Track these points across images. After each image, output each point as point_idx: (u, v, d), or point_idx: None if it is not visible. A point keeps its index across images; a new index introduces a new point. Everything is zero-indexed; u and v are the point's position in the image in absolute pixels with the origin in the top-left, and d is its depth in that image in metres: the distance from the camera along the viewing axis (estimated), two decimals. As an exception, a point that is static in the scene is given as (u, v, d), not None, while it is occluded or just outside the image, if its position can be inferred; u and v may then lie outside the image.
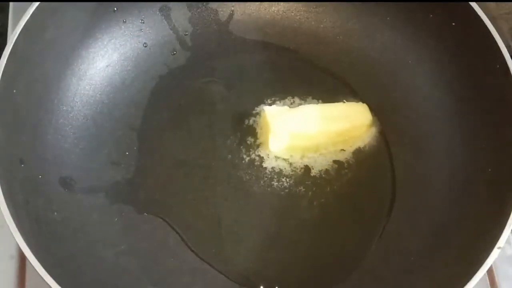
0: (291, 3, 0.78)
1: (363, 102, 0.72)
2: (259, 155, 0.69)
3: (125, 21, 0.73)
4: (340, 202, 0.67)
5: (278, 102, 0.73)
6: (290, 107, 0.72)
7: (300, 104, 0.72)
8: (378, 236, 0.65)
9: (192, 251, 0.64)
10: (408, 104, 0.73)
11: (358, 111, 0.71)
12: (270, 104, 0.72)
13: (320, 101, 0.73)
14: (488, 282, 0.66)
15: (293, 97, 0.73)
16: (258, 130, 0.71)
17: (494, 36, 0.63)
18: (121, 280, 0.61)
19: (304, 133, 0.69)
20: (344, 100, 0.72)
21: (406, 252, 0.63)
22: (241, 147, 0.70)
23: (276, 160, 0.69)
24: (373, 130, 0.71)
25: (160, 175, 0.68)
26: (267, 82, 0.74)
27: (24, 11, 0.62)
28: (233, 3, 0.78)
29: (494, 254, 0.54)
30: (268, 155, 0.69)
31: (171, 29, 0.76)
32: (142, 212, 0.65)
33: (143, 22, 0.75)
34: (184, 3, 0.76)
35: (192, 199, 0.67)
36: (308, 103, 0.72)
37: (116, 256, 0.62)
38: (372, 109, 0.72)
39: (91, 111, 0.70)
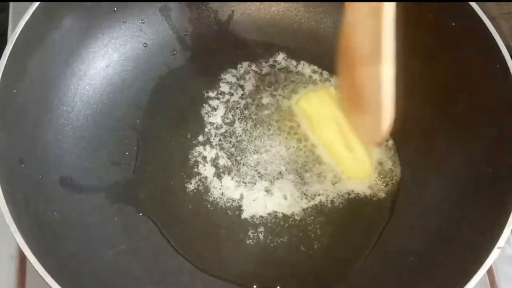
0: (291, 3, 0.78)
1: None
2: (259, 155, 0.69)
3: (125, 21, 0.73)
4: (340, 202, 0.67)
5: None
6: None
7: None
8: (378, 236, 0.65)
9: (192, 251, 0.64)
10: (408, 104, 0.72)
11: (362, 166, 0.69)
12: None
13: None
14: (488, 282, 0.66)
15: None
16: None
17: (494, 36, 0.63)
18: (121, 280, 0.61)
19: (323, 113, 0.71)
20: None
21: (406, 252, 0.63)
22: (241, 147, 0.70)
23: (280, 163, 0.69)
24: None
25: (160, 175, 0.68)
26: (267, 82, 0.74)
27: (24, 11, 0.62)
28: (233, 3, 0.78)
29: (494, 254, 0.54)
30: (270, 158, 0.69)
31: (171, 29, 0.76)
32: (142, 212, 0.65)
33: (143, 22, 0.75)
34: (184, 3, 0.76)
35: (192, 199, 0.67)
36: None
37: (116, 256, 0.62)
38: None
39: (91, 111, 0.70)
